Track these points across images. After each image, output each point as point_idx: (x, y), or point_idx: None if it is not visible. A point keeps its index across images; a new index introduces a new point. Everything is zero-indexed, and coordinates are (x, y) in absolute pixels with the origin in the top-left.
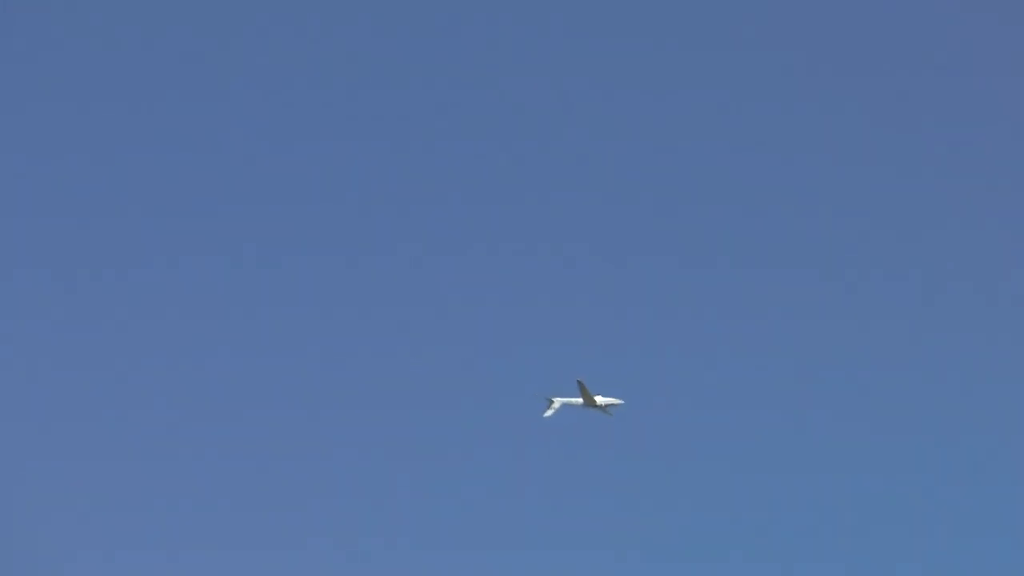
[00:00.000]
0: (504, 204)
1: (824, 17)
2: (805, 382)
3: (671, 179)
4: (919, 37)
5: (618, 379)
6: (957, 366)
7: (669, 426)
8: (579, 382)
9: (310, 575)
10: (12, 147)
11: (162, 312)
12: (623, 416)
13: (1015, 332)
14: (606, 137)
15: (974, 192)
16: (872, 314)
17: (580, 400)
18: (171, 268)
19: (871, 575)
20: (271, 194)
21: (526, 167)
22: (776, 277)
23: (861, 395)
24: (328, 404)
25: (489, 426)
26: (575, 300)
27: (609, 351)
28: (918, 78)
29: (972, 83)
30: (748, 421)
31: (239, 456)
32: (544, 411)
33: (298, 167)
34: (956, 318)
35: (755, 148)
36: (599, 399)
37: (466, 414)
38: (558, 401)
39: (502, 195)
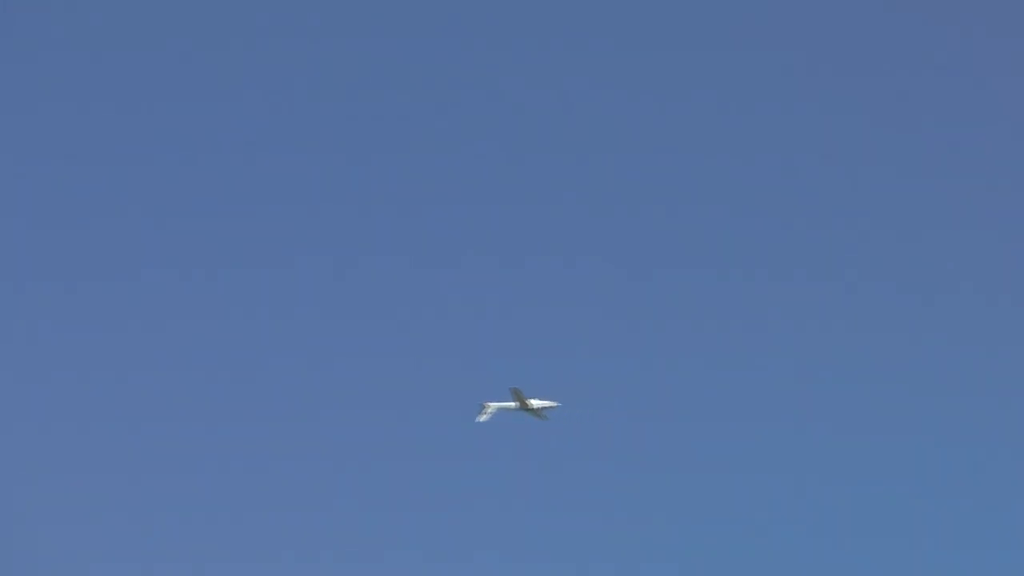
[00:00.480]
0: (462, 212)
1: (825, 18)
2: (755, 387)
3: (616, 183)
4: (919, 37)
5: (557, 383)
6: (947, 369)
7: (611, 430)
8: (513, 390)
9: None
10: (11, 148)
11: (162, 316)
12: (561, 419)
13: (1016, 336)
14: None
15: (975, 195)
16: (841, 321)
17: (514, 404)
18: (171, 272)
19: None
20: (263, 199)
21: (474, 176)
22: (728, 279)
23: (823, 402)
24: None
25: (422, 432)
26: (518, 306)
27: (550, 356)
28: (918, 78)
29: (972, 84)
30: (695, 427)
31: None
32: (478, 416)
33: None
34: (947, 322)
35: (697, 151)
36: (534, 402)
37: (404, 420)
38: (492, 406)
39: (455, 203)
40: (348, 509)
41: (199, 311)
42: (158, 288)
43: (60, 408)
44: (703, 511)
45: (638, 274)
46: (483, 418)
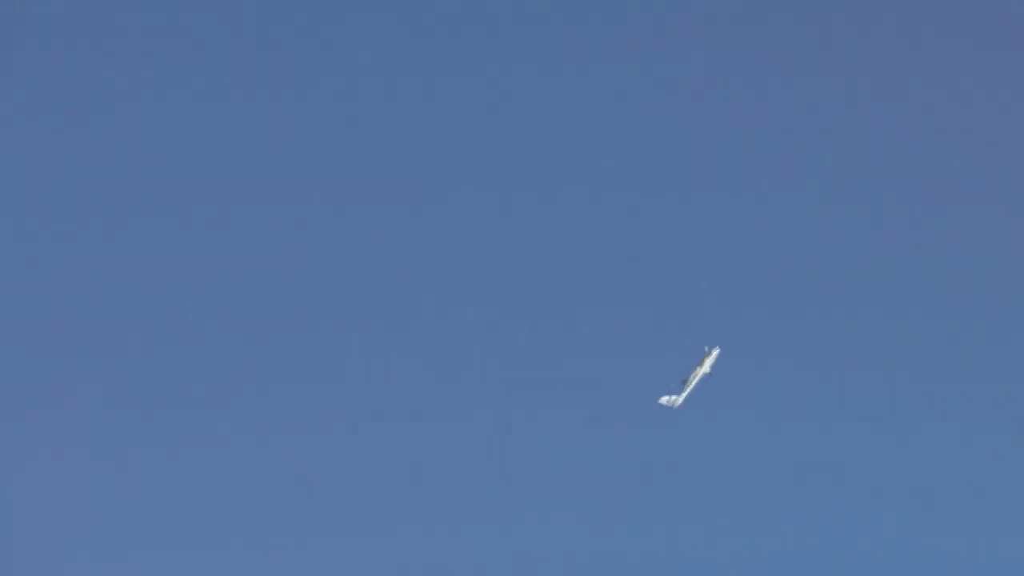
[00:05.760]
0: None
1: (825, 17)
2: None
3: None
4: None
5: None
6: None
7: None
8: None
9: None
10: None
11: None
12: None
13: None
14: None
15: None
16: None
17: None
18: (172, 269)
19: None
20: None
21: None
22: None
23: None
24: None
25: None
26: None
27: None
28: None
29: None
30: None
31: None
32: (678, 395)
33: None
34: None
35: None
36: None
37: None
38: (693, 378)
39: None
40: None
41: (203, 309)
42: (157, 287)
43: (58, 409)
44: None
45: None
46: (680, 399)
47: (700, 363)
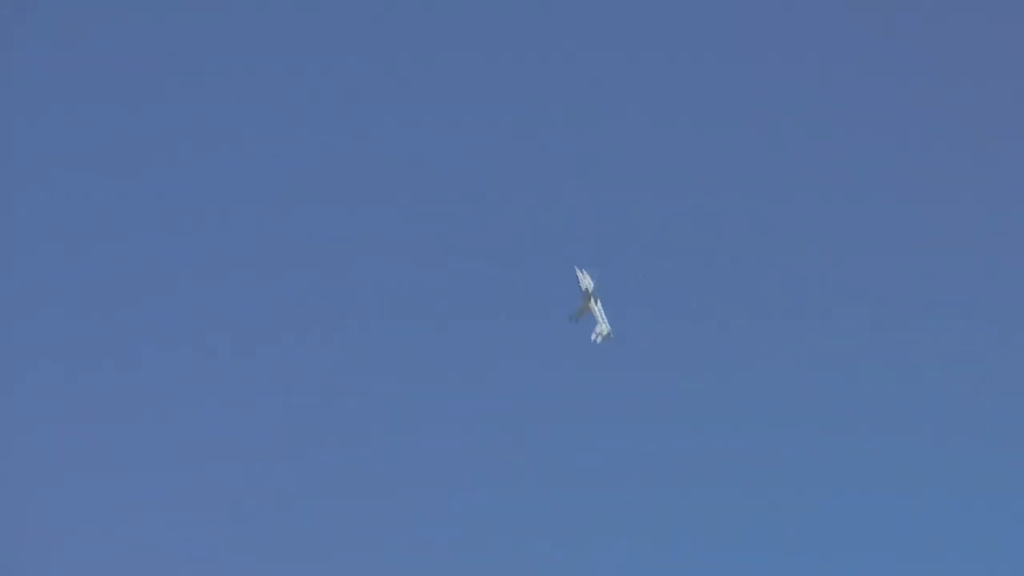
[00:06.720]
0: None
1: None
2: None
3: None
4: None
5: None
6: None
7: None
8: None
9: None
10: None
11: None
12: None
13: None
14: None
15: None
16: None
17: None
18: (172, 271)
19: None
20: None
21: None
22: None
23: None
24: None
25: None
26: None
27: None
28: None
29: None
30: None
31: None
32: (601, 324)
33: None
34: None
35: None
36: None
37: None
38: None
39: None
40: None
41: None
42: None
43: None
44: None
45: None
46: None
47: (581, 287)
